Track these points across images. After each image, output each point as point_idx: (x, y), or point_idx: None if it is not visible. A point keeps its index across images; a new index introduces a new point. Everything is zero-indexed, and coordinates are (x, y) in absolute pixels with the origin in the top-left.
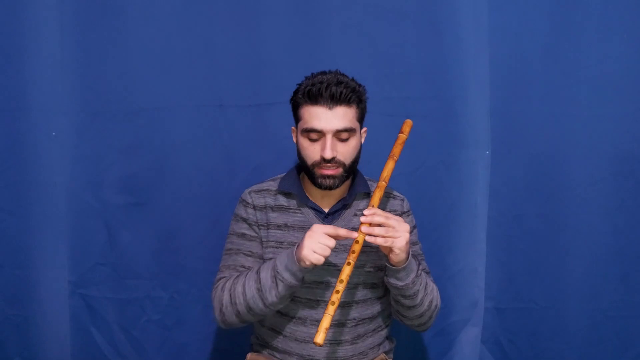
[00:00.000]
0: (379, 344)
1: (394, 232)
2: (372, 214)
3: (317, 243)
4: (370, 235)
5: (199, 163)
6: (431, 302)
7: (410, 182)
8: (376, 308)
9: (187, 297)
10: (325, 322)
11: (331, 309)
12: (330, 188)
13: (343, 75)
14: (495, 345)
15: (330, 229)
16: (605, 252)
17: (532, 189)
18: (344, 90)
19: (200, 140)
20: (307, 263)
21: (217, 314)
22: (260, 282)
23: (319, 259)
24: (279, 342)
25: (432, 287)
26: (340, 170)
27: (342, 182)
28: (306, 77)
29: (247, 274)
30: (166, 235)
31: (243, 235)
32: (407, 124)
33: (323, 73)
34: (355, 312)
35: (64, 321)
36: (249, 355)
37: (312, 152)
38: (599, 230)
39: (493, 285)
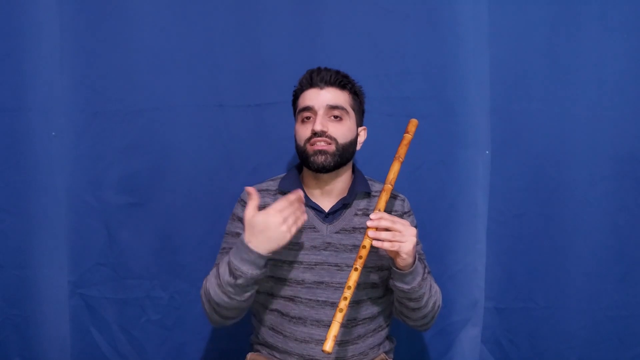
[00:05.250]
0: (379, 344)
1: (400, 237)
2: (378, 218)
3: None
4: (377, 239)
5: (199, 163)
6: (435, 303)
7: (410, 182)
8: (377, 308)
9: (187, 297)
10: (334, 329)
11: (339, 316)
12: (323, 167)
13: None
14: (495, 345)
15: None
16: (605, 252)
17: (532, 188)
18: (334, 74)
19: (200, 140)
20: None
21: (204, 311)
22: (219, 278)
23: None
24: (279, 342)
25: (436, 289)
26: (332, 147)
27: (336, 163)
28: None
29: (213, 269)
30: (166, 235)
31: (237, 234)
32: (413, 124)
33: None
34: (355, 313)
35: (64, 321)
36: (249, 355)
37: (304, 131)
38: (599, 230)
39: (493, 285)
